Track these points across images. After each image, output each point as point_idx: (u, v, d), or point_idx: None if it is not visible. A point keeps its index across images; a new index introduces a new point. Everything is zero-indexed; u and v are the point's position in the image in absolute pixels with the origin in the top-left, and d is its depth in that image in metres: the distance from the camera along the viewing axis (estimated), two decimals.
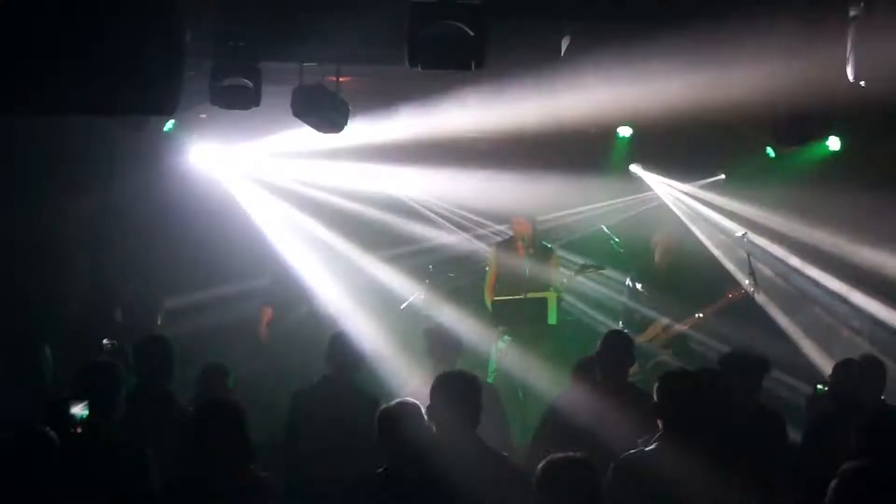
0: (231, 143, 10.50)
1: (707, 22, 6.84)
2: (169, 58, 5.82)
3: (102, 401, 5.12)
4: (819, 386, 6.53)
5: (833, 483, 4.40)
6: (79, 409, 4.93)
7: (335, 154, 10.28)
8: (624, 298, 9.75)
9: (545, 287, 9.33)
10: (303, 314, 9.43)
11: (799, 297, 10.88)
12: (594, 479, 4.28)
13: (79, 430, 4.96)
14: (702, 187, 10.99)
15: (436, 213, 11.07)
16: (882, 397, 6.42)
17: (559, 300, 9.40)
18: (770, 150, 10.46)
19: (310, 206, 10.70)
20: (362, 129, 9.19)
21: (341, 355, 6.41)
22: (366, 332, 9.06)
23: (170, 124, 9.96)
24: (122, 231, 10.46)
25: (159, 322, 9.89)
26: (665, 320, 9.69)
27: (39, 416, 5.07)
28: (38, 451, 4.53)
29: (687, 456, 4.81)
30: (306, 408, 6.33)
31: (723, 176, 10.98)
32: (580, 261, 9.81)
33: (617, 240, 10.32)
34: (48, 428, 4.67)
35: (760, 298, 9.53)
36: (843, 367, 6.38)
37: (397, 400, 5.08)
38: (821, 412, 6.34)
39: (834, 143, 10.16)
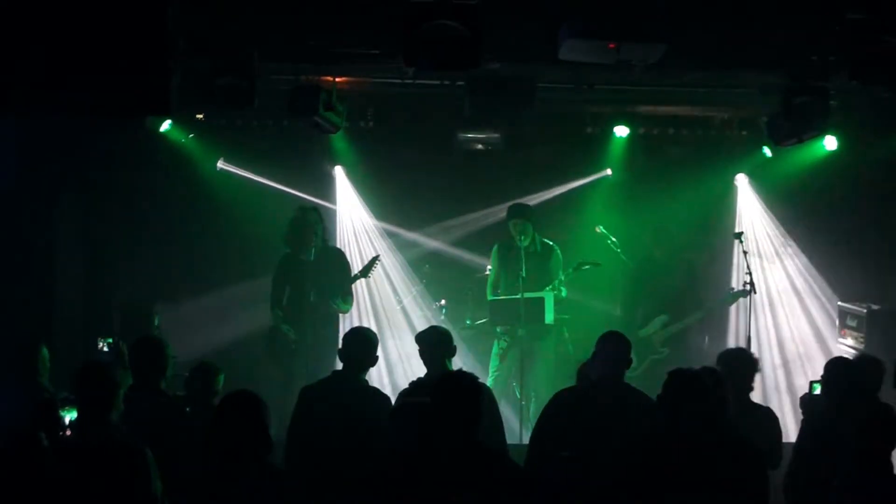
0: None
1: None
2: (164, 59, 5.84)
3: (99, 402, 5.11)
4: (814, 382, 6.52)
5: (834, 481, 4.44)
6: (67, 412, 4.93)
7: None
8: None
9: (545, 285, 9.33)
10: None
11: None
12: (586, 480, 4.30)
13: (68, 432, 4.97)
14: None
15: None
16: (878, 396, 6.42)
17: (558, 299, 9.40)
18: (766, 150, 10.47)
19: None
20: None
21: (353, 352, 6.42)
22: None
23: (166, 125, 9.95)
24: (118, 231, 10.45)
25: (156, 323, 9.87)
26: (664, 317, 9.71)
27: (34, 417, 5.07)
28: (27, 454, 4.52)
29: (687, 448, 4.93)
30: (314, 404, 6.32)
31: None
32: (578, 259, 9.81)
33: (614, 239, 10.32)
34: (38, 431, 4.67)
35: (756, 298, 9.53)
36: (834, 364, 6.37)
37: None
38: (814, 410, 6.34)
39: (830, 142, 10.15)
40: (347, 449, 5.97)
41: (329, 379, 6.51)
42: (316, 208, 9.56)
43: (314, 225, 9.26)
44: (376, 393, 6.46)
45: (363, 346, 6.43)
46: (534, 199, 10.46)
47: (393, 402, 6.28)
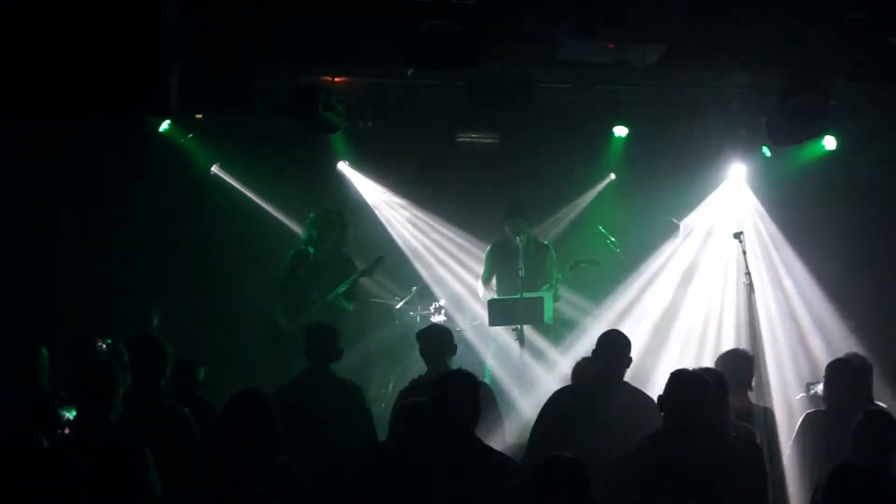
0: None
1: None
2: (164, 59, 5.85)
3: (99, 401, 5.12)
4: (809, 384, 6.53)
5: (822, 480, 4.47)
6: (66, 411, 4.94)
7: None
8: None
9: (541, 284, 9.33)
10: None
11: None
12: (585, 480, 4.30)
13: (66, 430, 4.98)
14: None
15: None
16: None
17: (555, 298, 9.40)
18: (766, 150, 10.46)
19: None
20: None
21: (319, 348, 6.45)
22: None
23: (165, 125, 9.95)
24: (117, 231, 10.45)
25: (154, 323, 9.87)
26: None
27: (33, 417, 5.08)
28: (26, 454, 4.53)
29: (688, 448, 4.95)
30: (290, 402, 6.34)
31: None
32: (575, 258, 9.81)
33: (613, 239, 10.33)
34: (37, 430, 4.68)
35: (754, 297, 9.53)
36: (834, 367, 6.36)
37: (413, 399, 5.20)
38: (813, 412, 6.34)
39: (830, 142, 10.14)
40: (328, 441, 6.02)
41: (302, 376, 6.58)
42: (339, 211, 9.42)
43: (329, 226, 9.21)
44: (345, 382, 6.52)
45: (326, 339, 6.47)
46: (548, 227, 10.51)
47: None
